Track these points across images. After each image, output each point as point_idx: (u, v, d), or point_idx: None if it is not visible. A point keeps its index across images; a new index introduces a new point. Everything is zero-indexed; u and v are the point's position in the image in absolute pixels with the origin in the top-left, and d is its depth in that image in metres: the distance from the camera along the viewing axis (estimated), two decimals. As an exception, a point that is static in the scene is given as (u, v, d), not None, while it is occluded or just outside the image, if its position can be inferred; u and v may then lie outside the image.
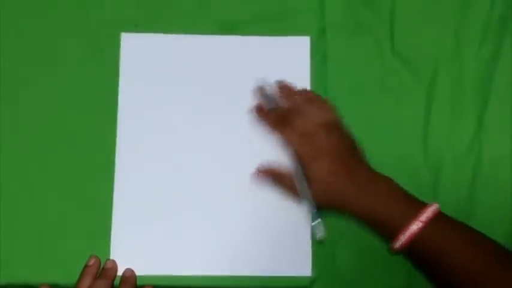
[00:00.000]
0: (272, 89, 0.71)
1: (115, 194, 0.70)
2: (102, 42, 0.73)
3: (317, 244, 0.69)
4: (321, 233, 0.66)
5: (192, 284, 0.69)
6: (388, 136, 0.72)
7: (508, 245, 0.68)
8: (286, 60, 0.74)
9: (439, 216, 0.61)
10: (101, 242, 0.69)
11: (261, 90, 0.71)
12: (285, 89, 0.71)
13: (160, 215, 0.70)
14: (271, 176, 0.69)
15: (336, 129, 0.68)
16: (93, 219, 0.70)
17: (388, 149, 0.72)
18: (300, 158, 0.66)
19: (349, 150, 0.66)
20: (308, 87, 0.73)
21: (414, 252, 0.61)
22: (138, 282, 0.68)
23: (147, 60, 0.73)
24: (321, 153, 0.64)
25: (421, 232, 0.59)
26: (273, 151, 0.70)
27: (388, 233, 0.62)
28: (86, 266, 0.67)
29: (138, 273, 0.69)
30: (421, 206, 0.61)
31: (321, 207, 0.66)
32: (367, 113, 0.73)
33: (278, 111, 0.69)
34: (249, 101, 0.72)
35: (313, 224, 0.66)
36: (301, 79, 0.73)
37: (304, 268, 0.69)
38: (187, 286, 0.69)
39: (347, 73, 0.73)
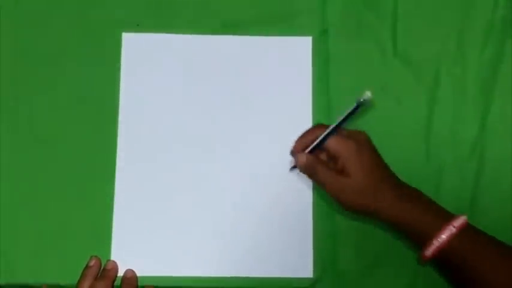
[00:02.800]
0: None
1: (116, 195, 0.70)
2: (104, 42, 0.73)
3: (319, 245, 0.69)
4: None
5: (192, 285, 0.69)
6: (390, 137, 0.72)
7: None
8: (289, 60, 0.73)
9: (467, 226, 0.61)
10: (101, 243, 0.69)
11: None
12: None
13: (161, 216, 0.70)
14: (316, 163, 0.63)
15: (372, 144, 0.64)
16: (94, 219, 0.70)
17: (390, 151, 0.71)
18: (344, 155, 0.61)
19: (382, 160, 0.64)
20: (310, 88, 0.73)
21: (442, 260, 0.61)
22: (139, 283, 0.68)
23: (148, 60, 0.73)
24: (365, 146, 0.62)
25: (450, 240, 0.59)
26: (275, 151, 0.70)
27: (418, 239, 0.61)
28: (86, 267, 0.67)
29: (138, 274, 0.69)
30: (451, 215, 0.61)
31: (352, 209, 0.63)
32: (369, 114, 0.72)
33: None
34: (251, 100, 0.72)
35: None
36: (303, 79, 0.73)
37: (305, 269, 0.69)
38: (188, 287, 0.69)
39: (349, 74, 0.73)
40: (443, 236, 0.59)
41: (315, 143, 0.61)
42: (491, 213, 0.70)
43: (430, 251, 0.60)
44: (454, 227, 0.59)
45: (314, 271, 0.69)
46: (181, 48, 0.73)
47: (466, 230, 0.60)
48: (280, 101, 0.73)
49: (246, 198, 0.70)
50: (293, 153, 0.63)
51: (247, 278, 0.69)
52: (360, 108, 0.60)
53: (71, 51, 0.73)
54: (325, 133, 0.61)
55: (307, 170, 0.62)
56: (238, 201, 0.70)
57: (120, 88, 0.72)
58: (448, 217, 0.60)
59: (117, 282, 0.68)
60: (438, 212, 0.62)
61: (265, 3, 0.74)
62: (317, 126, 0.63)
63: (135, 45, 0.73)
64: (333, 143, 0.61)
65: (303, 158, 0.61)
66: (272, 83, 0.73)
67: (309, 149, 0.61)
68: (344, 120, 0.60)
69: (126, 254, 0.69)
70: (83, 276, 0.66)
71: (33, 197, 0.70)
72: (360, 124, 0.72)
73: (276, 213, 0.70)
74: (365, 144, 0.62)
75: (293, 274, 0.69)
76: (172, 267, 0.69)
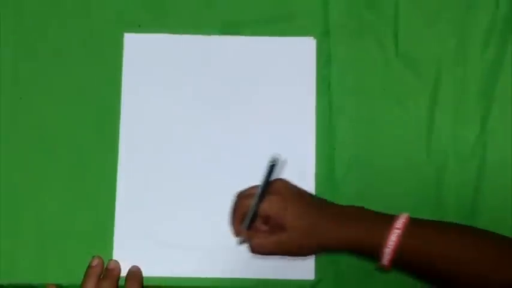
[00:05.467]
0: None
1: (118, 195, 0.71)
2: (106, 43, 0.73)
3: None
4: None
5: (193, 286, 0.69)
6: (391, 138, 0.72)
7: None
8: (293, 61, 0.73)
9: (412, 221, 0.62)
10: (103, 243, 0.70)
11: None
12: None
13: (162, 217, 0.70)
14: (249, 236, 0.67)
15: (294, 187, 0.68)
16: (96, 219, 0.70)
17: (391, 151, 0.72)
18: (272, 214, 0.64)
19: (311, 195, 0.68)
20: (314, 88, 0.73)
21: (403, 262, 0.61)
22: (140, 284, 0.69)
23: (150, 61, 0.73)
24: (289, 201, 0.64)
25: (401, 240, 0.60)
26: (278, 152, 0.70)
27: (373, 253, 0.62)
28: (89, 267, 0.67)
29: (140, 274, 0.69)
30: (392, 217, 0.62)
31: (301, 255, 0.67)
32: (371, 115, 0.73)
33: None
34: (254, 102, 0.72)
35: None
36: (308, 80, 0.73)
37: (307, 271, 0.69)
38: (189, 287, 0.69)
39: (351, 75, 0.73)
40: (392, 241, 0.60)
41: (247, 218, 0.65)
42: (493, 214, 0.71)
43: (386, 259, 0.61)
44: (397, 228, 0.60)
45: (316, 273, 0.69)
46: (183, 49, 0.73)
47: (411, 226, 0.61)
48: (283, 102, 0.73)
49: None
50: (237, 235, 0.68)
51: (249, 279, 0.69)
52: (275, 167, 0.65)
53: (72, 52, 0.73)
54: (251, 209, 0.65)
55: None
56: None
57: (122, 89, 0.72)
58: (390, 221, 0.61)
59: (121, 282, 0.68)
60: (379, 219, 0.63)
61: (267, 3, 0.74)
62: (244, 197, 0.67)
63: (136, 46, 0.73)
64: (260, 208, 0.65)
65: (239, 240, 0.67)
66: (275, 84, 0.73)
67: (245, 225, 0.65)
68: (265, 186, 0.65)
69: (128, 254, 0.69)
70: (86, 276, 0.67)
71: (35, 197, 0.70)
72: (362, 125, 0.72)
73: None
74: (285, 193, 0.65)
75: (294, 276, 0.69)
76: (173, 268, 0.69)
